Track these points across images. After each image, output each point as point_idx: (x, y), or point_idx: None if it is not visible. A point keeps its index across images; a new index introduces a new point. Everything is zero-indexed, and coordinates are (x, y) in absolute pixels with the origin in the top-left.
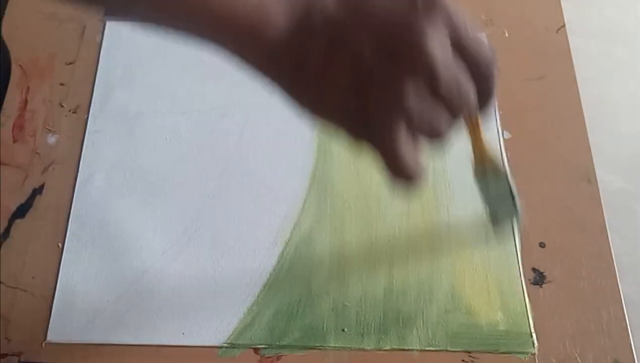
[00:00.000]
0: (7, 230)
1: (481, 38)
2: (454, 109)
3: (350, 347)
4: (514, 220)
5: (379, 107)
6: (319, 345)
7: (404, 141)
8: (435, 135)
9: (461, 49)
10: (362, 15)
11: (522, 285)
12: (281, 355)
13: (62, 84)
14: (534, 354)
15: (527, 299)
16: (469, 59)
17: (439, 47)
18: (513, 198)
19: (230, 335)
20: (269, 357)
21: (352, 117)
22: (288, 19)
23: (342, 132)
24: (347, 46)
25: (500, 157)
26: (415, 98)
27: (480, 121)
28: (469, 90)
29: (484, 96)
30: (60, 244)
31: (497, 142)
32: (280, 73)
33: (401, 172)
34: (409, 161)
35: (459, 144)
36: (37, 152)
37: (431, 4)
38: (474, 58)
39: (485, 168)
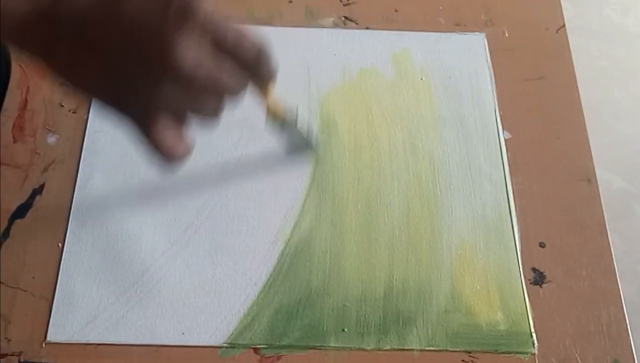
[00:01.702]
0: (7, 230)
1: (244, 32)
2: (218, 96)
3: (350, 347)
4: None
5: (137, 102)
6: (319, 345)
7: (161, 128)
8: (205, 118)
9: (224, 47)
10: (114, 13)
11: (522, 285)
12: (281, 355)
13: (62, 84)
14: (534, 354)
15: (527, 299)
16: (233, 53)
17: (189, 52)
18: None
19: (230, 335)
20: (269, 357)
21: (114, 102)
22: (30, 6)
23: (110, 111)
24: (97, 40)
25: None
26: (171, 96)
27: (268, 89)
28: (233, 77)
29: (264, 73)
30: (60, 244)
31: (497, 142)
32: (33, 55)
33: (162, 156)
34: (168, 146)
35: (459, 144)
36: (37, 152)
37: (183, 13)
38: (237, 51)
39: (277, 121)
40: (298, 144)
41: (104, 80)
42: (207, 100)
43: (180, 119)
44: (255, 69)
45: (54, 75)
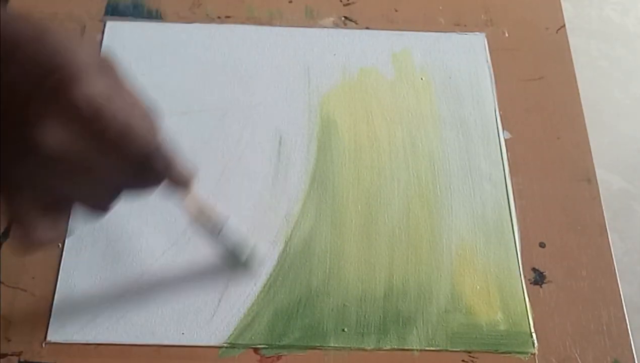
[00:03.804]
0: (7, 230)
1: (133, 127)
2: (104, 186)
3: (350, 347)
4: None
5: (4, 178)
6: (319, 345)
7: (25, 212)
8: (87, 206)
9: (106, 140)
10: None
11: (522, 285)
12: (281, 355)
13: None
14: (534, 354)
15: (527, 299)
16: (116, 149)
17: (52, 131)
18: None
19: (230, 335)
20: (269, 357)
21: None
22: None
23: None
24: None
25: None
26: (39, 175)
27: (186, 191)
28: (119, 172)
29: (171, 178)
30: (60, 244)
31: (497, 142)
32: None
33: (25, 238)
34: (29, 231)
35: (459, 144)
36: None
37: (60, 90)
38: (120, 149)
39: (205, 226)
40: (227, 253)
41: None
42: (84, 186)
43: (52, 204)
44: (154, 171)
45: None
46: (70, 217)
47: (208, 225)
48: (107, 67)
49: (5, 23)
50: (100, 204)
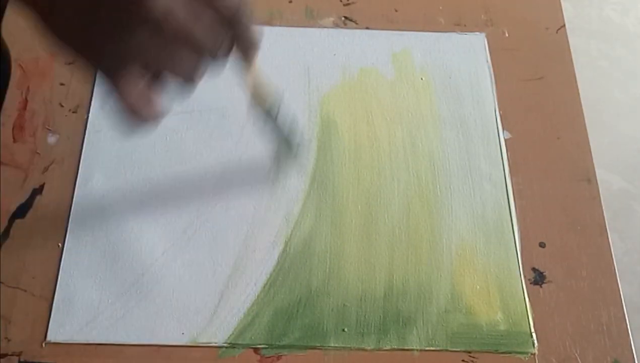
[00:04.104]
0: (7, 230)
1: None
2: (192, 51)
3: (350, 347)
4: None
5: (108, 49)
6: (319, 345)
7: (130, 82)
8: (179, 78)
9: None
10: None
11: (522, 285)
12: (281, 355)
13: (62, 84)
14: (534, 354)
15: (527, 299)
16: (212, 7)
17: (163, 6)
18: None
19: (230, 335)
20: (269, 357)
21: (85, 50)
22: None
23: (83, 62)
24: None
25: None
26: (142, 45)
27: (251, 64)
28: (209, 33)
29: (244, 37)
30: (60, 244)
31: (497, 142)
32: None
33: (126, 112)
34: (133, 102)
35: (459, 144)
36: (37, 152)
37: None
38: (216, 4)
39: (260, 106)
40: (280, 137)
41: (77, 25)
42: (180, 55)
43: (153, 75)
44: (235, 29)
45: (34, 19)
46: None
47: (265, 105)
48: None
49: None
50: (192, 74)
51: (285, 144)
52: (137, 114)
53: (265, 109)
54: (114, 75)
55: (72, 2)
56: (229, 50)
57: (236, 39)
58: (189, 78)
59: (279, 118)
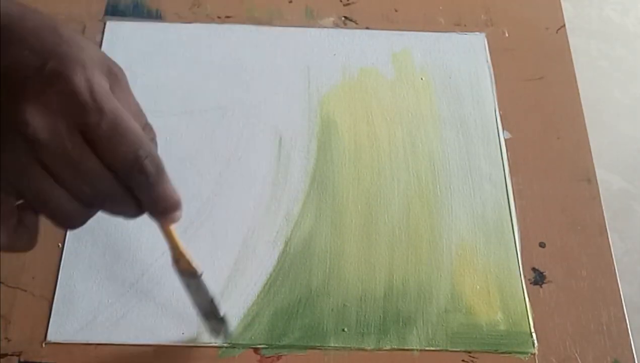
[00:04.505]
0: None
1: (127, 131)
2: (66, 191)
3: (350, 347)
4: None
5: None
6: (319, 345)
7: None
8: (53, 216)
9: (94, 140)
10: None
11: (522, 285)
12: (281, 355)
13: None
14: (534, 354)
15: (527, 299)
16: (102, 152)
17: (40, 117)
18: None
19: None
20: (269, 357)
21: None
22: None
23: None
24: None
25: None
26: (16, 173)
27: (167, 226)
28: (90, 181)
29: (147, 199)
30: (60, 244)
31: (497, 142)
32: None
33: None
34: (7, 239)
35: (459, 144)
36: None
37: (55, 78)
38: (107, 152)
39: (183, 273)
40: (201, 308)
41: None
42: (51, 194)
43: (32, 207)
44: (131, 184)
45: None
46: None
47: (188, 267)
48: (114, 70)
49: (22, 11)
50: (74, 216)
51: (209, 312)
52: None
53: (190, 274)
54: None
55: None
56: (133, 202)
57: (139, 196)
58: (61, 221)
59: (199, 291)
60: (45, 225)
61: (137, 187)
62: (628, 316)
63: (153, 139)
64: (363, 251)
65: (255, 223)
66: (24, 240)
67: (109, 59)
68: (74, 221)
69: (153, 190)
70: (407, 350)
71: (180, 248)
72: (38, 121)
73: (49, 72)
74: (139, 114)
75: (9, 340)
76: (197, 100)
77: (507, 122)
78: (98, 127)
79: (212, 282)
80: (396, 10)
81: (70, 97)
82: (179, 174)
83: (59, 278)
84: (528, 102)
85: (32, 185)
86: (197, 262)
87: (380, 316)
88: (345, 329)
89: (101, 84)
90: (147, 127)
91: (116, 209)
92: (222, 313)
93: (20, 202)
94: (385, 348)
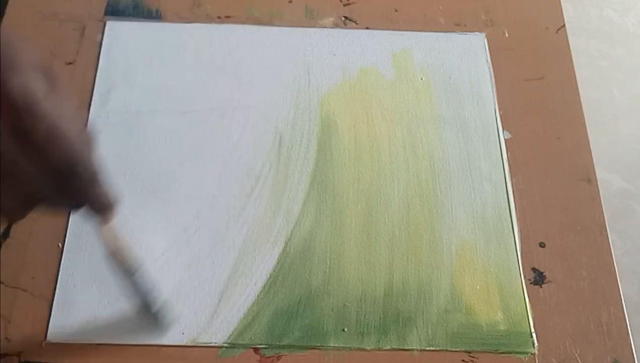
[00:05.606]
0: (7, 230)
1: (63, 135)
2: (16, 189)
3: (350, 347)
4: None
5: None
6: (319, 345)
7: None
8: None
9: (25, 142)
10: None
11: (522, 285)
12: (281, 355)
13: None
14: (534, 354)
15: (527, 299)
16: (35, 157)
17: None
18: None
19: (230, 335)
20: (269, 357)
21: None
22: None
23: None
24: None
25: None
26: None
27: (104, 221)
28: (31, 179)
29: (86, 198)
30: (60, 244)
31: (497, 142)
32: None
33: None
34: None
35: (459, 144)
36: None
37: None
38: (40, 157)
39: (119, 266)
40: (139, 300)
41: None
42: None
43: None
44: (65, 183)
45: None
46: None
47: (123, 263)
48: (50, 74)
49: None
50: (12, 211)
51: (144, 307)
52: None
53: (124, 270)
54: None
55: None
56: (72, 202)
57: (73, 198)
58: (9, 214)
59: (137, 282)
60: (45, 225)
61: (70, 191)
62: (628, 316)
63: (90, 142)
64: (363, 251)
65: (255, 223)
66: None
67: (42, 61)
68: (12, 216)
69: (86, 194)
70: (407, 350)
71: (118, 244)
72: None
73: None
74: (75, 118)
75: (9, 340)
76: (197, 100)
77: (507, 122)
78: (32, 132)
79: (212, 282)
80: (396, 10)
81: (5, 101)
82: (179, 174)
83: (59, 278)
84: (528, 102)
85: None
86: (135, 257)
87: (380, 316)
88: (345, 329)
89: (38, 87)
90: (83, 131)
91: (52, 208)
92: (155, 309)
93: None
94: (385, 348)
